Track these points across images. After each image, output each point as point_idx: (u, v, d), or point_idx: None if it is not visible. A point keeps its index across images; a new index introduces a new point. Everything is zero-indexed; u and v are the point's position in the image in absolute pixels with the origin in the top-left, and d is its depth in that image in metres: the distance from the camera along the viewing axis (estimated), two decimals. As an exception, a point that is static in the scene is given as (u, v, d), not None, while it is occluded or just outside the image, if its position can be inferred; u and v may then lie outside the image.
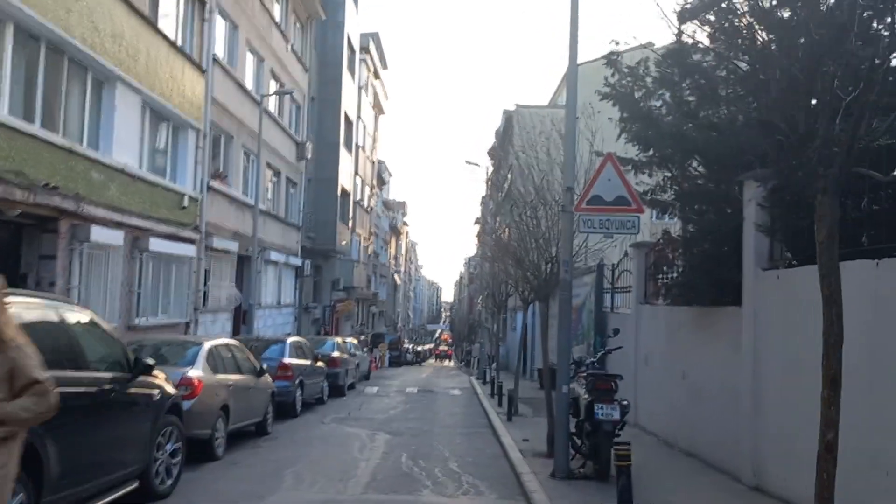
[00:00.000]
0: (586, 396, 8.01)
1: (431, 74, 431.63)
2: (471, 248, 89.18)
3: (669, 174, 10.04)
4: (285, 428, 12.06)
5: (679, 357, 10.10)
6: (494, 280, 19.66)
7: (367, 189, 44.43)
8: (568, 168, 8.03)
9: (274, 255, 24.74)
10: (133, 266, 14.53)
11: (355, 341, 24.91)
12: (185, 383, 8.18)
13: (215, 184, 18.93)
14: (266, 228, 24.00)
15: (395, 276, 73.51)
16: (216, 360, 9.10)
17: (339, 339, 19.70)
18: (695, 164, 9.22)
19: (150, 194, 15.08)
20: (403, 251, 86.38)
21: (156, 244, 15.02)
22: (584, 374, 8.83)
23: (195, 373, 8.46)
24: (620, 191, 7.67)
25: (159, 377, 6.78)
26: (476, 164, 28.55)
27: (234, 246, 20.13)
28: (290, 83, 26.57)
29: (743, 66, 8.74)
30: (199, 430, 8.36)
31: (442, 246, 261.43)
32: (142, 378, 6.28)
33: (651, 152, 9.95)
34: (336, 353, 18.17)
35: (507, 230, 27.74)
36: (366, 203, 43.38)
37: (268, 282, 24.76)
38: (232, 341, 10.70)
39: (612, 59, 10.10)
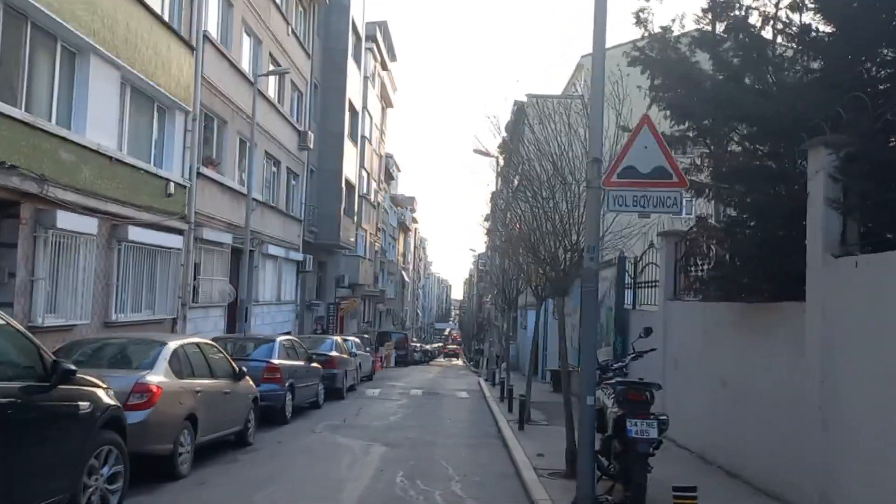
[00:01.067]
0: (616, 410, 6.68)
1: (442, 67, 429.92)
2: (480, 245, 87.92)
3: (707, 150, 8.69)
4: (271, 437, 10.80)
5: (718, 361, 8.76)
6: (504, 276, 18.33)
7: (374, 183, 43.19)
8: (594, 136, 6.69)
9: (273, 249, 23.52)
10: (110, 257, 13.31)
11: (357, 340, 23.65)
12: (140, 390, 6.92)
13: (207, 171, 17.70)
14: (264, 221, 22.79)
15: (404, 273, 72.29)
16: (182, 363, 7.83)
17: (338, 338, 18.44)
18: (740, 134, 7.85)
19: (131, 179, 13.85)
20: (412, 248, 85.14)
21: (136, 233, 13.80)
22: (611, 380, 7.51)
23: (154, 378, 7.20)
24: (659, 160, 6.32)
25: (93, 385, 5.50)
26: (486, 153, 27.03)
27: (227, 238, 18.90)
28: (290, 69, 25.32)
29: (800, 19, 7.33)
30: (158, 444, 7.11)
31: (452, 243, 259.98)
32: (66, 387, 5.02)
33: (686, 125, 8.60)
34: (334, 353, 16.90)
35: (518, 225, 26.42)
36: (372, 197, 42.14)
37: (266, 277, 23.55)
38: (203, 340, 9.43)
39: (641, 19, 8.77)
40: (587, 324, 7.13)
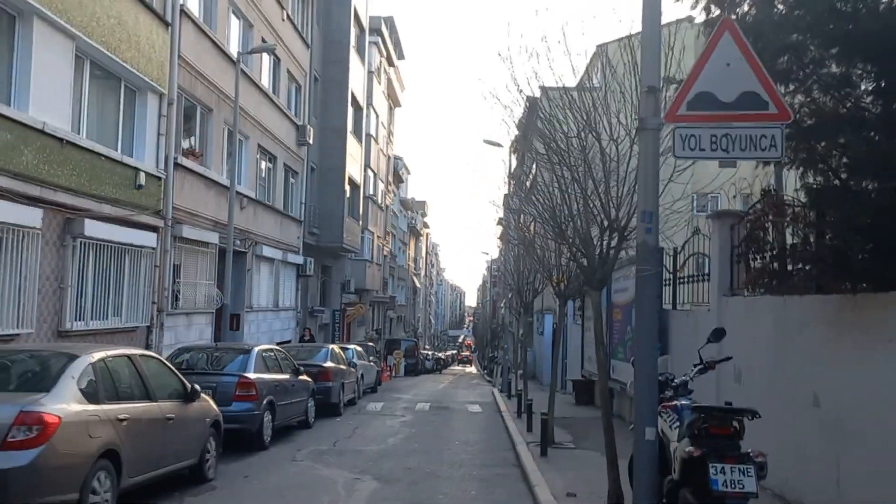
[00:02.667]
0: (689, 448, 4.68)
1: (454, 70, 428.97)
2: (493, 249, 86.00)
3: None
4: (238, 469, 8.86)
5: (805, 372, 6.75)
6: (520, 276, 16.35)
7: (381, 184, 41.35)
8: (650, 55, 4.72)
9: (268, 251, 21.68)
10: (63, 255, 11.46)
11: (359, 349, 21.70)
12: (25, 422, 5.02)
13: (187, 162, 15.88)
14: (258, 220, 20.97)
15: (415, 279, 70.41)
16: (100, 383, 5.92)
17: (334, 347, 16.50)
18: (838, 64, 5.82)
19: (91, 166, 12.03)
20: (423, 253, 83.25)
21: (96, 229, 11.96)
22: (672, 401, 5.54)
23: (50, 404, 5.28)
24: (748, 82, 4.39)
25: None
26: (497, 144, 25.14)
27: (213, 237, 17.05)
28: (287, 59, 23.55)
29: None
30: (56, 495, 5.20)
31: (465, 250, 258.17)
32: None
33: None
34: (329, 364, 14.96)
35: (532, 225, 24.44)
36: (380, 199, 40.28)
37: (261, 281, 21.70)
38: (140, 352, 7.50)
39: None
40: (643, 324, 5.20)
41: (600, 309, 7.82)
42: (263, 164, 22.15)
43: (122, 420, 5.98)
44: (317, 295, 29.90)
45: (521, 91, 7.90)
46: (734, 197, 11.79)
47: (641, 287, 5.23)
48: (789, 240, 7.17)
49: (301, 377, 12.49)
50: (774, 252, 7.24)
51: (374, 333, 39.23)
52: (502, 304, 56.11)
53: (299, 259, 25.21)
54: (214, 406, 8.30)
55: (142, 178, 13.67)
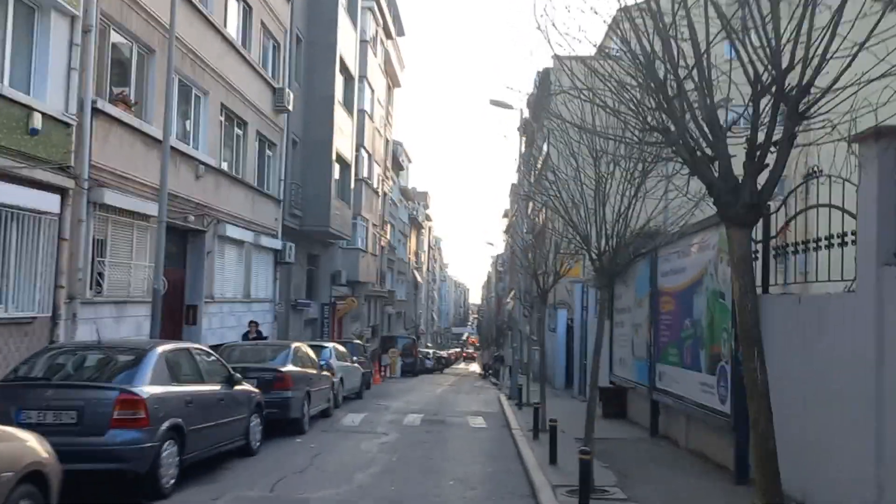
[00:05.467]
0: None
1: (459, 64, 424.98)
2: (500, 244, 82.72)
3: None
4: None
5: None
6: (537, 255, 12.88)
7: (377, 167, 37.95)
8: None
9: (235, 232, 18.32)
10: None
11: (340, 348, 18.33)
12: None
13: (115, 111, 12.50)
14: (222, 194, 17.61)
15: (416, 273, 67.02)
16: None
17: (300, 346, 13.04)
18: None
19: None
20: (426, 247, 79.85)
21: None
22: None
23: None
24: None
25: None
26: (508, 106, 21.74)
27: (151, 208, 13.61)
28: (260, 8, 20.17)
29: None
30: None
31: (469, 247, 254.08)
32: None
33: None
34: (289, 368, 11.54)
35: (542, 212, 21.00)
36: (375, 183, 36.88)
37: (225, 267, 18.31)
38: None
39: None
40: None
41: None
42: (230, 129, 18.76)
43: None
44: (302, 286, 26.56)
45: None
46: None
47: None
48: None
49: (240, 387, 9.10)
50: None
51: (365, 330, 35.81)
52: (509, 299, 52.70)
53: (276, 243, 21.84)
54: (37, 448, 4.87)
55: (37, 121, 10.30)
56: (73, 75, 11.28)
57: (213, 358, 8.88)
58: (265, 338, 15.66)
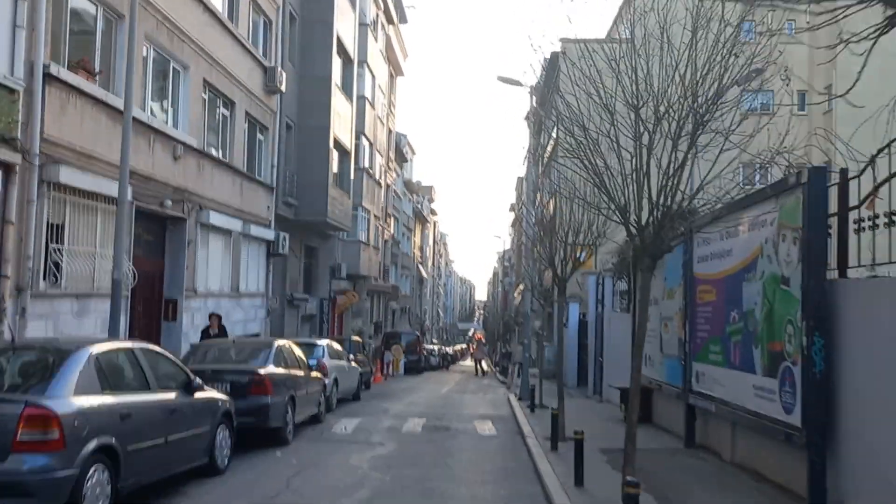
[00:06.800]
0: None
1: (463, 59, 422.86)
2: (506, 235, 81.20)
3: None
4: None
5: None
6: (553, 238, 11.31)
7: (380, 158, 36.45)
8: None
9: (220, 220, 16.86)
10: None
11: (335, 346, 16.82)
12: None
13: (73, 78, 11.02)
14: (205, 178, 16.16)
15: (421, 268, 65.50)
16: None
17: (285, 345, 11.48)
18: None
19: None
20: (431, 242, 78.35)
21: None
22: None
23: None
24: None
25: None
26: (517, 83, 20.21)
27: (114, 188, 12.11)
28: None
29: None
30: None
31: (475, 243, 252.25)
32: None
33: None
34: (269, 370, 10.00)
35: (551, 202, 19.45)
36: (377, 174, 35.38)
37: (209, 258, 16.86)
38: None
39: None
40: None
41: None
42: (215, 109, 17.28)
43: None
44: (298, 280, 25.12)
45: None
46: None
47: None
48: None
49: (203, 394, 7.61)
50: None
51: (368, 326, 34.33)
52: (516, 293, 51.15)
53: (269, 234, 20.38)
54: None
55: (-30, 83, 8.83)
56: (18, 34, 9.81)
57: (167, 360, 7.40)
58: (224, 333, 13.89)
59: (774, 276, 7.09)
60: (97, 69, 12.08)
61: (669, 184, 5.58)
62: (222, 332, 13.63)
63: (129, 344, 6.91)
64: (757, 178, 8.33)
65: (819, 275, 6.23)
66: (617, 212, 5.95)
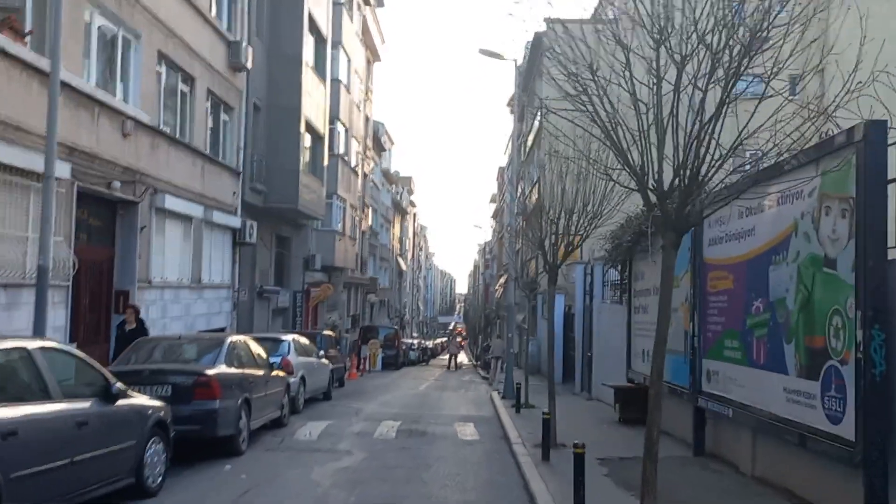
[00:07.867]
0: None
1: (442, 47, 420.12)
2: (487, 227, 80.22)
3: None
4: None
5: None
6: (545, 219, 10.07)
7: (356, 145, 35.06)
8: None
9: (179, 205, 15.48)
10: None
11: (303, 340, 15.50)
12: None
13: (-4, 38, 9.59)
14: (160, 159, 14.74)
15: (400, 260, 64.17)
16: None
17: (240, 340, 10.15)
18: None
19: None
20: (410, 234, 76.98)
21: None
22: None
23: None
24: None
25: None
26: (499, 56, 18.92)
27: (60, 169, 10.65)
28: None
29: None
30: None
31: (455, 236, 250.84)
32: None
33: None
34: (218, 371, 8.67)
35: (535, 191, 18.17)
36: (353, 161, 34.01)
37: (166, 246, 15.45)
38: None
39: None
40: None
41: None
42: (173, 84, 15.83)
43: None
44: (269, 271, 23.74)
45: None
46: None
47: None
48: None
49: (126, 401, 6.30)
50: None
51: (343, 320, 33.02)
52: (497, 286, 50.01)
53: (234, 221, 18.99)
54: None
55: None
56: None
57: (80, 362, 6.08)
58: (144, 327, 11.75)
59: (814, 258, 5.93)
60: (28, 29, 10.64)
61: (701, 136, 4.37)
62: (140, 326, 11.65)
63: (22, 343, 5.57)
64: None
65: (879, 254, 5.08)
66: (632, 174, 4.74)
